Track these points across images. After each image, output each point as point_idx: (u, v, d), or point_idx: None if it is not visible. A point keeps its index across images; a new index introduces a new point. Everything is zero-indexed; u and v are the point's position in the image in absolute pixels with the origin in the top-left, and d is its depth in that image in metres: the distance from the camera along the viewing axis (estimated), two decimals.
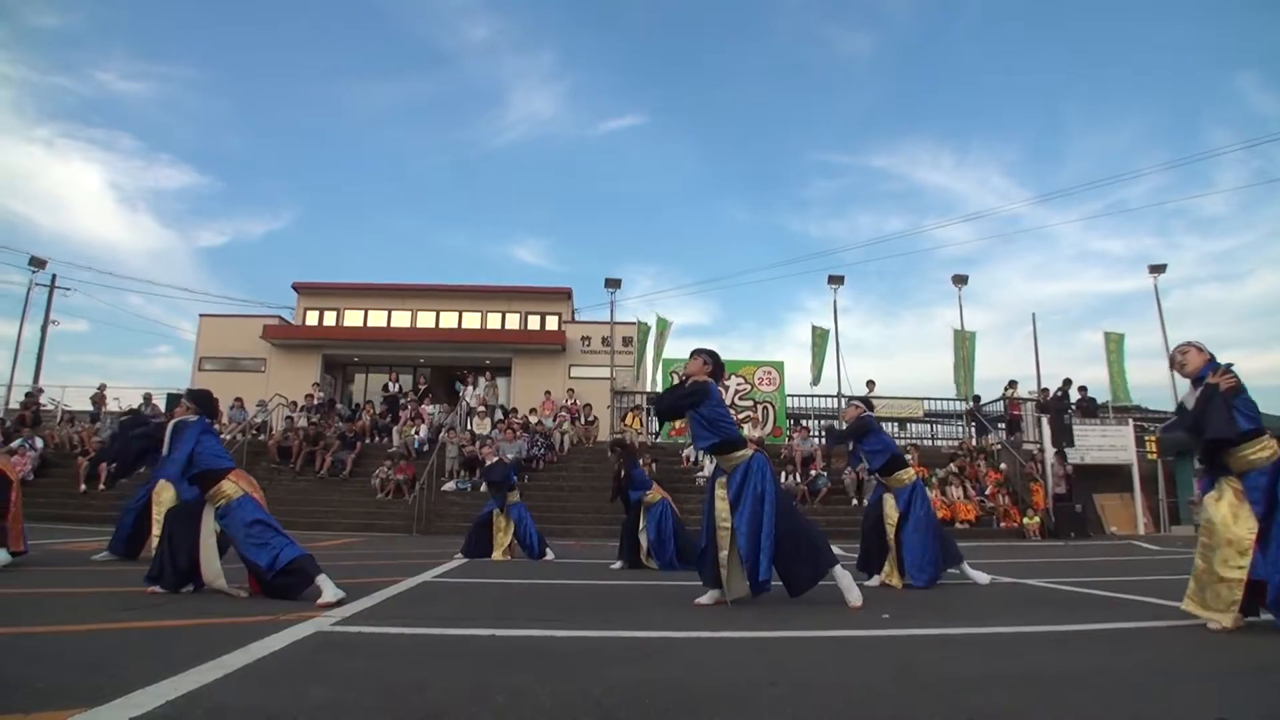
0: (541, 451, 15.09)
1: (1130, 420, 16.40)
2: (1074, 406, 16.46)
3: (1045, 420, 14.98)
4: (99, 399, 17.11)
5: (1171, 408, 16.18)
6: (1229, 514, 3.29)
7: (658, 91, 57.05)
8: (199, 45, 48.00)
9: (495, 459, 8.47)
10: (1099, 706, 2.06)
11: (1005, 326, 59.60)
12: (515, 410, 17.33)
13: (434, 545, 9.31)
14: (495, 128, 54.84)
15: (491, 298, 22.98)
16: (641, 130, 55.58)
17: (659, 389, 16.46)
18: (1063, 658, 2.81)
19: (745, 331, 56.11)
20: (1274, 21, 51.90)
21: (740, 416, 16.45)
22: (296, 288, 22.66)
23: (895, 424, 17.23)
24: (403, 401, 17.49)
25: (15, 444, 13.25)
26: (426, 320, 22.53)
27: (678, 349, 17.88)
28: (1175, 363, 3.64)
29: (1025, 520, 13.37)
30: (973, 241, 76.82)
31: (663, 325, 18.21)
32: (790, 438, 15.71)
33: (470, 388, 17.76)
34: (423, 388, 18.56)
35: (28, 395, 17.00)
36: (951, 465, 14.45)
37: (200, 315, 22.06)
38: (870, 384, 17.00)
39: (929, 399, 18.26)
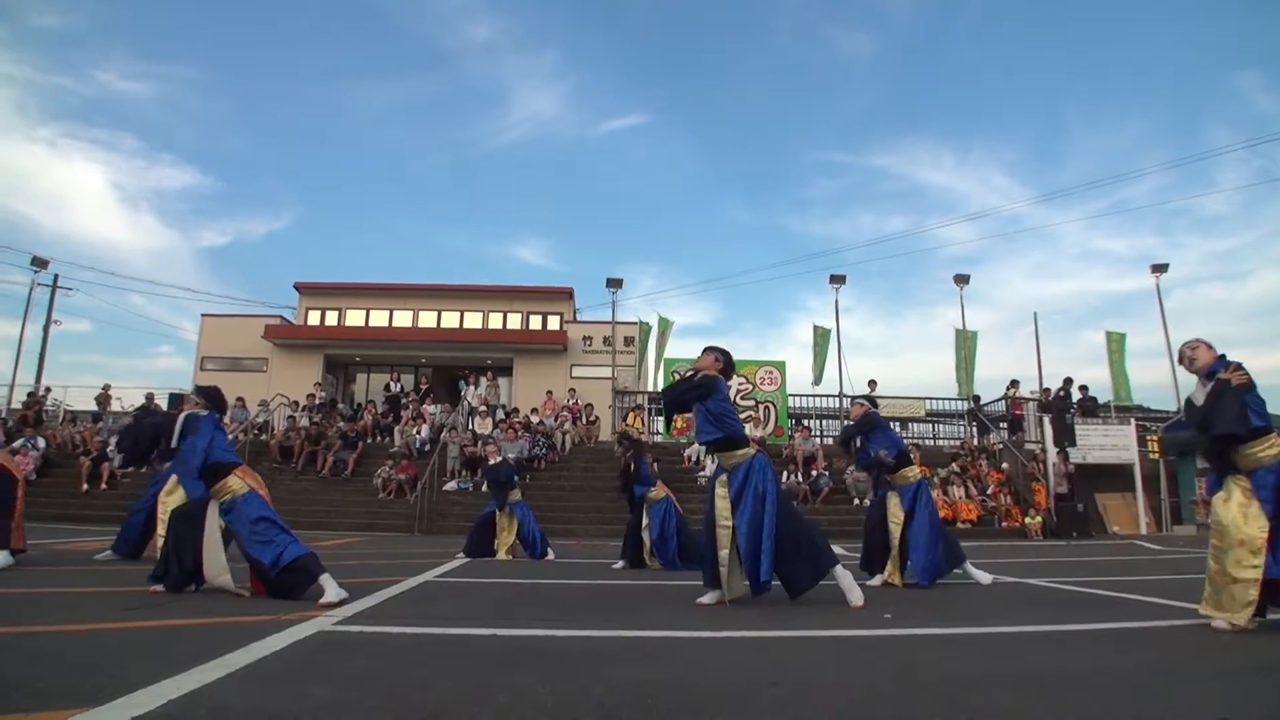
0: (543, 451, 15.08)
1: (1132, 420, 16.37)
2: (1076, 406, 16.43)
3: (1047, 420, 14.94)
4: (104, 399, 17.18)
5: (1173, 407, 16.18)
6: (1239, 514, 3.26)
7: (659, 91, 57.13)
8: (199, 45, 48.18)
9: (499, 458, 8.47)
10: (1101, 706, 2.06)
11: (1007, 326, 59.60)
12: (517, 410, 17.33)
13: (435, 545, 9.31)
14: (496, 127, 54.95)
15: (493, 297, 23.00)
16: (643, 130, 55.65)
17: (660, 389, 16.45)
18: (1064, 657, 2.80)
19: (747, 331, 56.21)
20: (1274, 21, 51.84)
21: (742, 416, 16.41)
22: (298, 287, 22.70)
23: (897, 424, 17.17)
24: (404, 401, 17.49)
25: (17, 444, 13.24)
26: (428, 320, 22.56)
27: (679, 349, 17.91)
28: (1185, 358, 3.61)
29: (1027, 520, 13.36)
30: (974, 241, 77.03)
31: (664, 325, 18.21)
32: (792, 437, 15.70)
33: (472, 387, 17.78)
34: (424, 387, 18.56)
35: (31, 395, 17.05)
36: (953, 465, 14.45)
37: (202, 315, 22.15)
38: (872, 383, 17.02)
39: (931, 399, 18.25)
